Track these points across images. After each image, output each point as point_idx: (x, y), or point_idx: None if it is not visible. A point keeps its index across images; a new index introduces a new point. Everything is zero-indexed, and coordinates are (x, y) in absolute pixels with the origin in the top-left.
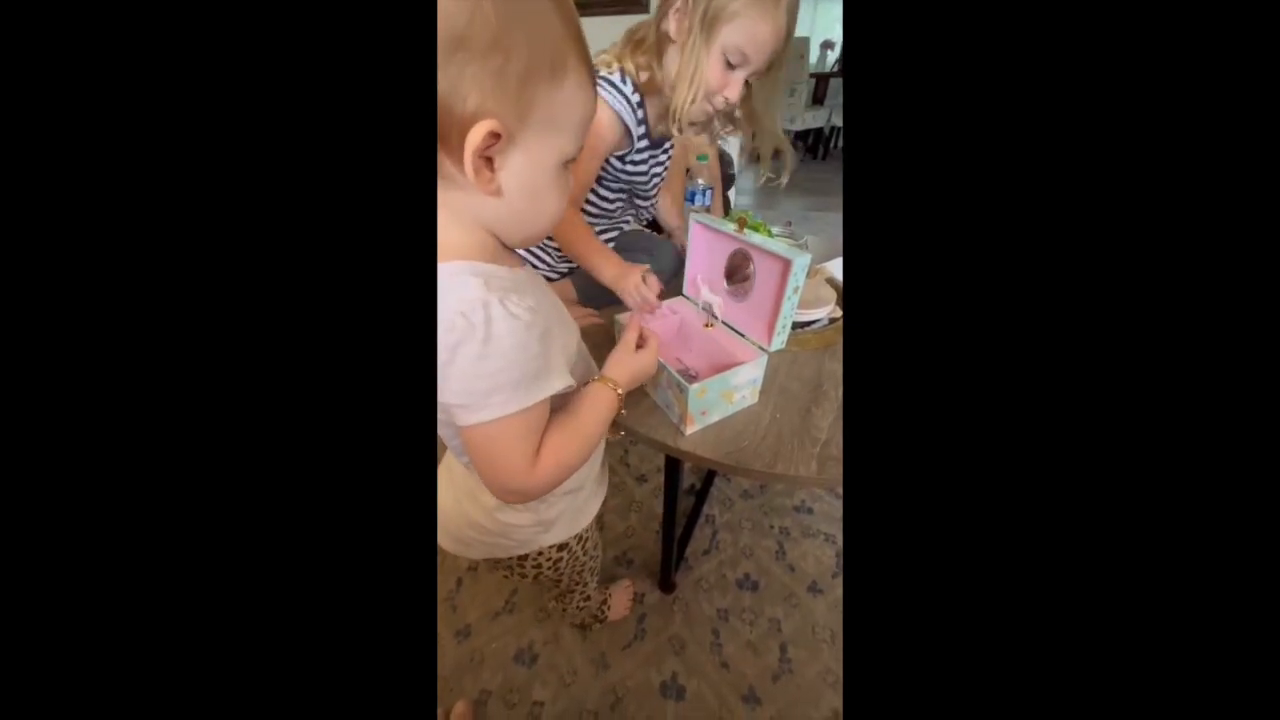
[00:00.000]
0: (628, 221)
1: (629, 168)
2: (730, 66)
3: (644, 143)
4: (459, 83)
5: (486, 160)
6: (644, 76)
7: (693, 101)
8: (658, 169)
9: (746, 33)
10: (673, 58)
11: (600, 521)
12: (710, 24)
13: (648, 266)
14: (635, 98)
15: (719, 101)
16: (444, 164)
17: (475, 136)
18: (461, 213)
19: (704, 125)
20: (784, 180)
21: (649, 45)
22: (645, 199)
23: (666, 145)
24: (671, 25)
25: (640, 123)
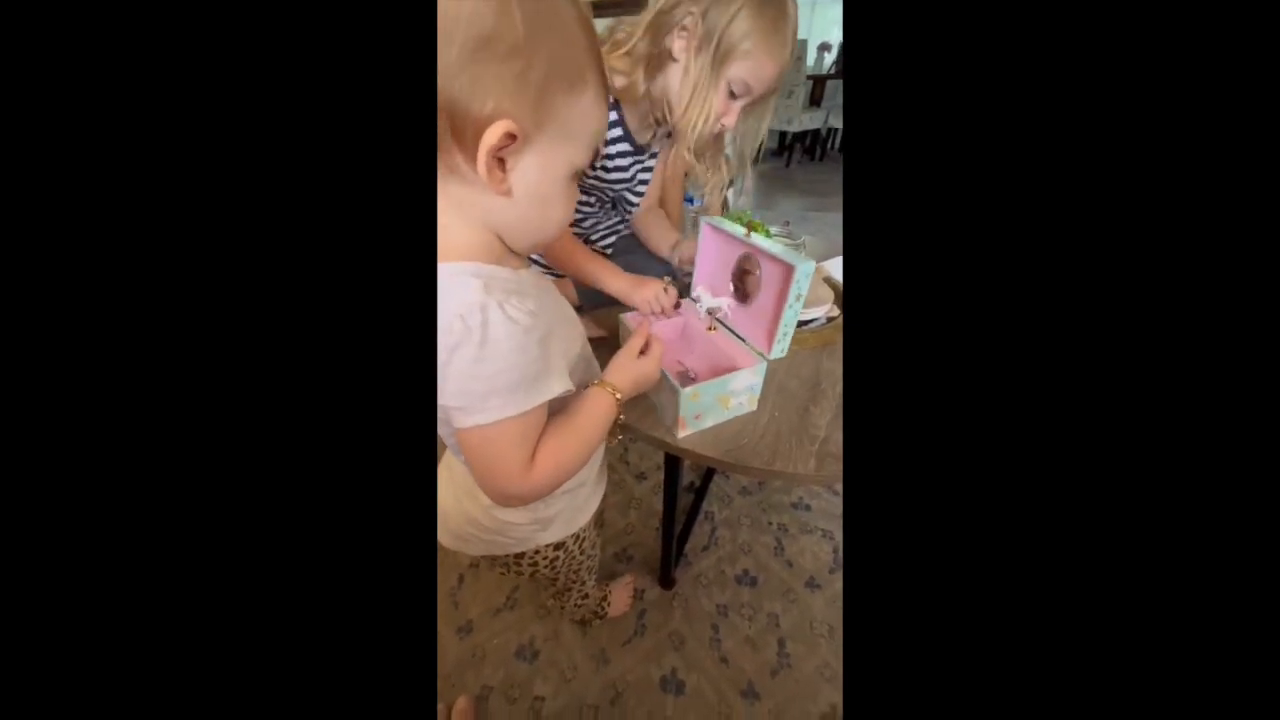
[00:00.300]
0: (625, 225)
1: (606, 174)
2: (732, 96)
3: (624, 146)
4: (481, 82)
5: (499, 160)
6: (620, 82)
7: (703, 124)
8: (644, 174)
9: (754, 69)
10: (674, 77)
11: (600, 518)
12: (722, 59)
13: (669, 279)
14: None
15: (717, 127)
16: (457, 160)
17: (492, 135)
18: (469, 211)
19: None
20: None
21: (636, 54)
22: (633, 204)
23: (652, 150)
24: (675, 46)
25: (612, 126)
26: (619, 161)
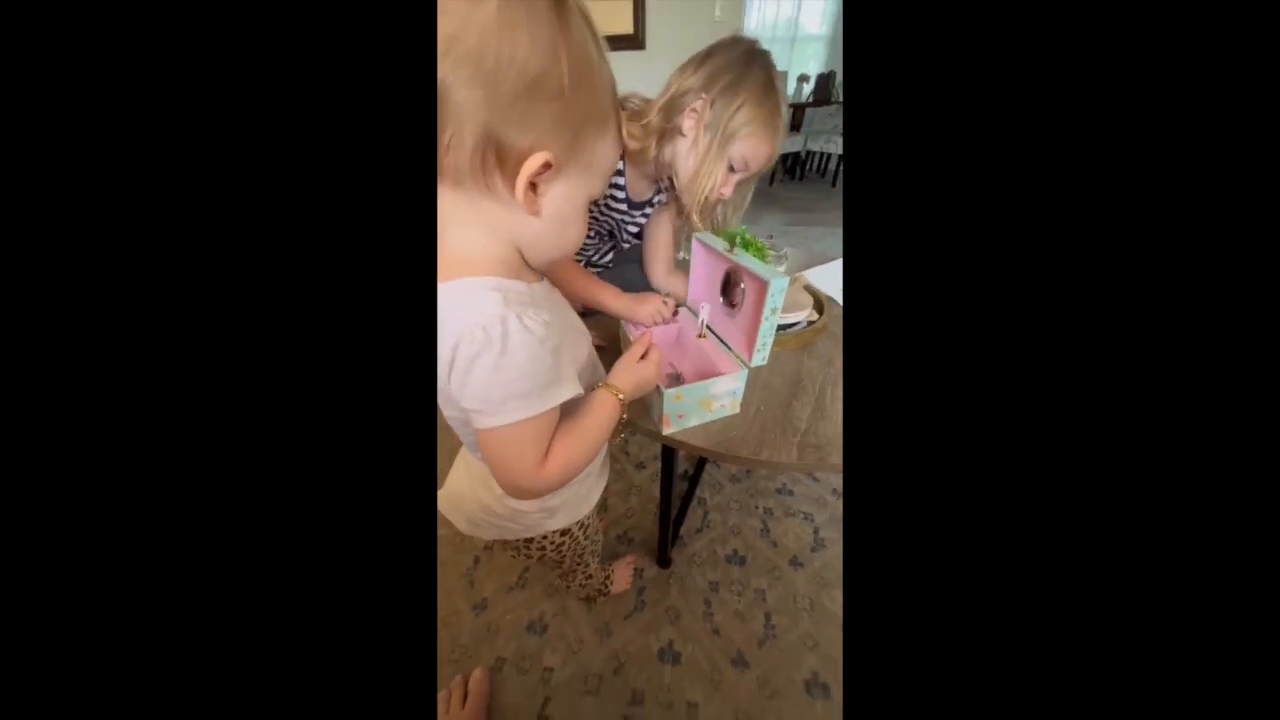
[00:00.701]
0: (628, 241)
1: (608, 211)
2: (731, 170)
3: (621, 194)
4: (527, 119)
5: (532, 185)
6: (634, 145)
7: (708, 192)
8: (631, 226)
9: (753, 148)
10: (682, 151)
11: (604, 503)
12: (726, 139)
13: (666, 295)
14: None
15: (716, 196)
16: (496, 182)
17: (533, 164)
18: (498, 226)
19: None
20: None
21: (651, 127)
22: (626, 237)
23: (645, 208)
24: (685, 124)
25: (616, 174)
26: (618, 205)
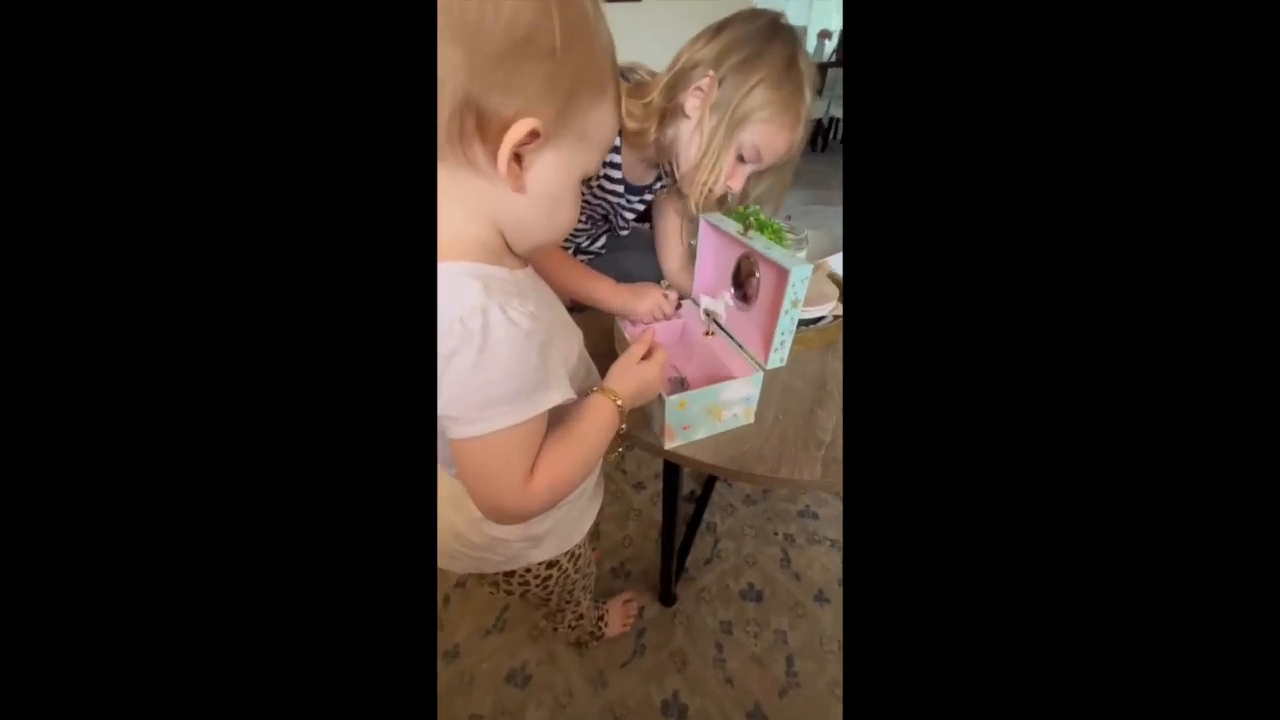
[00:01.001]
0: (625, 227)
1: (602, 193)
2: (741, 160)
3: (617, 174)
4: (513, 81)
5: (517, 157)
6: (633, 126)
7: (713, 184)
8: (627, 211)
9: (767, 137)
10: (684, 133)
11: (596, 530)
12: (736, 124)
13: (666, 285)
14: None
15: (721, 187)
16: (476, 153)
17: (517, 132)
18: (478, 204)
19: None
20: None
21: (653, 106)
22: (623, 223)
23: (644, 193)
24: (689, 103)
25: (613, 152)
26: (613, 188)
